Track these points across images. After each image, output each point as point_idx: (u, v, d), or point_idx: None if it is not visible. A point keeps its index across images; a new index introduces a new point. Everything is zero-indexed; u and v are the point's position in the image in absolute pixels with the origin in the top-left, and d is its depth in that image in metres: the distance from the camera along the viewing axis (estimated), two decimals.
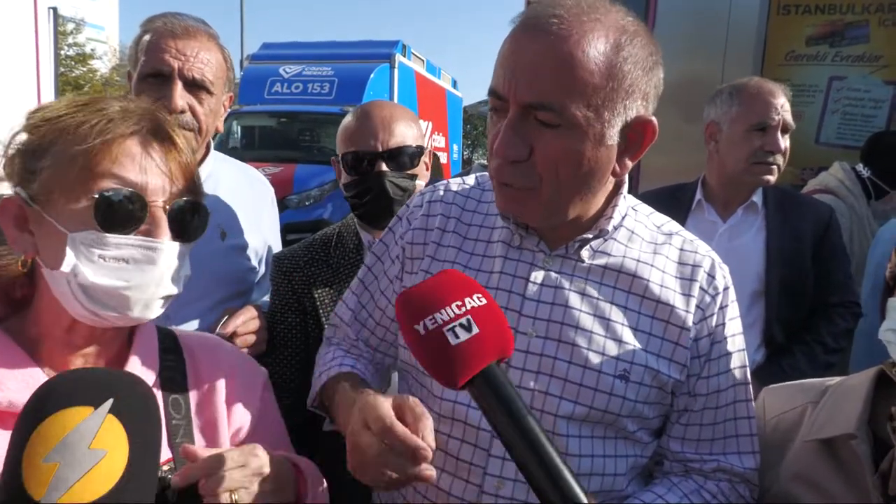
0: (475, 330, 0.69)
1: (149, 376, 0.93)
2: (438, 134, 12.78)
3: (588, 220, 1.05)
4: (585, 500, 0.63)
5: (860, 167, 2.70)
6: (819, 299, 1.98)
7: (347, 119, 1.61)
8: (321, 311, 1.54)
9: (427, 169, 1.68)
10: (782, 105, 1.96)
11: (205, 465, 0.82)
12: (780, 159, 1.98)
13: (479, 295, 0.73)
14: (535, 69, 0.90)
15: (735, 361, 1.08)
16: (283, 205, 7.76)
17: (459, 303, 0.71)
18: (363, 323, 1.21)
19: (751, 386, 1.10)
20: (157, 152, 0.87)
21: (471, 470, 1.02)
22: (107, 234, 0.82)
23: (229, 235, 1.63)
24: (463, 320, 0.70)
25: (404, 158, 1.55)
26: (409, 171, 1.57)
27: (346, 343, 1.23)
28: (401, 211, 1.23)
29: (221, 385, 1.01)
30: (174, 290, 0.88)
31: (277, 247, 1.86)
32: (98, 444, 0.63)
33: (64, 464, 0.61)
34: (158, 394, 0.93)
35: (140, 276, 0.84)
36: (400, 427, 0.81)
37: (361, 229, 1.64)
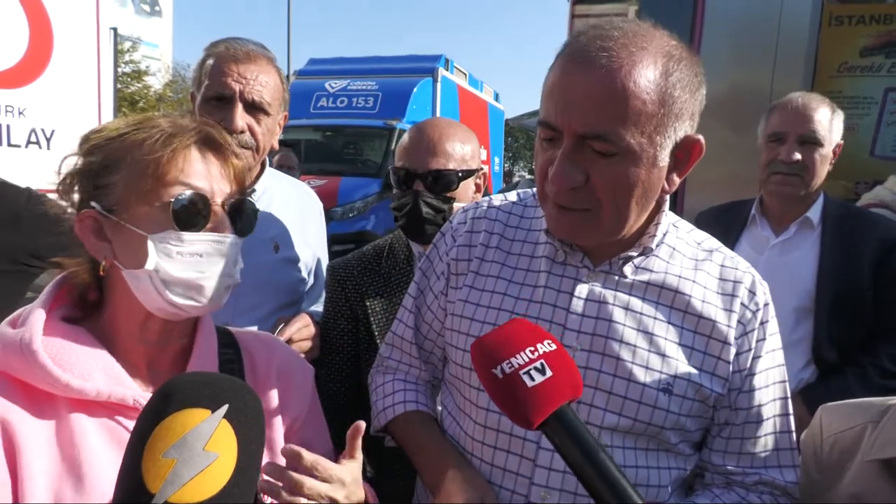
0: (549, 373, 0.74)
1: (211, 367, 1.00)
2: (480, 146, 12.80)
3: (631, 238, 1.06)
4: None
5: None
6: (883, 322, 1.88)
7: (405, 134, 1.68)
8: (372, 318, 1.61)
9: (478, 190, 1.71)
10: (809, 118, 1.93)
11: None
12: (799, 170, 1.94)
13: (549, 341, 0.78)
14: (588, 102, 0.92)
15: (775, 376, 1.08)
16: (327, 216, 7.85)
17: (532, 348, 0.76)
18: (425, 337, 1.25)
19: (790, 401, 1.10)
20: (213, 158, 0.97)
21: (517, 480, 1.04)
22: (183, 233, 0.91)
23: (282, 248, 1.70)
24: (537, 364, 0.75)
25: (443, 181, 1.60)
26: (447, 194, 1.61)
27: (404, 366, 1.27)
28: (444, 227, 1.27)
29: (275, 378, 1.07)
30: (237, 279, 0.98)
31: (325, 258, 1.93)
32: (212, 447, 0.66)
33: (181, 461, 0.64)
34: None
35: (212, 266, 0.94)
36: None
37: (411, 240, 1.70)
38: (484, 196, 1.39)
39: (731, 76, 3.45)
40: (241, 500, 0.67)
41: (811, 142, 1.94)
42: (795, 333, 1.89)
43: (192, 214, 0.92)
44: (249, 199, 0.99)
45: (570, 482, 1.01)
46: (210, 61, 1.60)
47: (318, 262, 1.89)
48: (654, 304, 1.05)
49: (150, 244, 0.90)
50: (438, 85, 10.53)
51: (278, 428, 1.05)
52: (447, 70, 11.11)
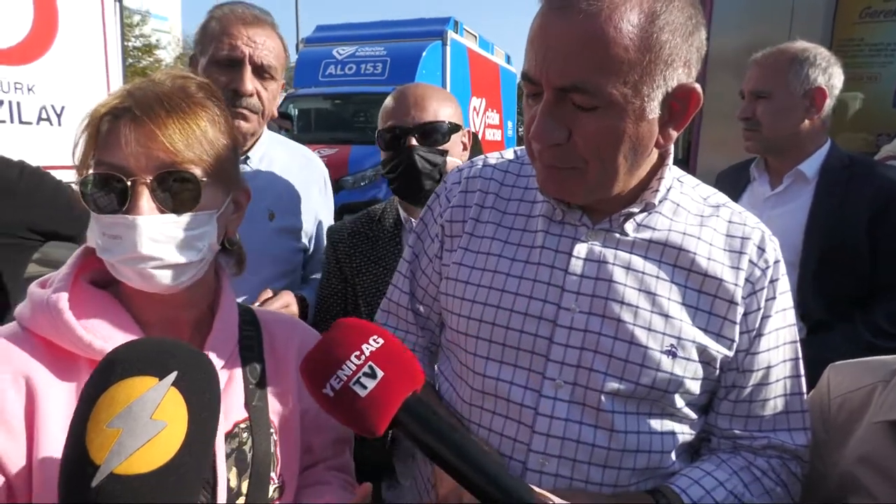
0: (380, 374, 0.70)
1: (229, 343, 0.99)
2: (492, 111, 12.64)
3: (632, 193, 1.02)
4: (534, 501, 0.65)
5: None
6: (881, 278, 1.81)
7: (387, 100, 1.69)
8: (357, 279, 1.66)
9: (465, 149, 1.72)
10: (757, 72, 1.98)
11: None
12: (755, 125, 1.98)
13: (375, 336, 0.73)
14: (566, 51, 0.86)
15: (786, 336, 1.04)
16: (338, 185, 7.89)
17: (358, 352, 0.72)
18: (421, 302, 1.22)
19: (801, 361, 1.06)
20: (137, 130, 0.86)
21: (515, 446, 1.02)
22: (98, 215, 0.87)
23: (278, 217, 1.69)
24: (366, 368, 0.71)
25: (435, 134, 1.61)
26: (439, 147, 1.62)
27: (400, 333, 1.24)
28: (438, 188, 1.23)
29: (295, 359, 1.06)
30: (179, 259, 0.88)
31: (329, 224, 1.92)
32: (160, 416, 0.65)
33: (126, 431, 0.63)
34: (238, 359, 0.99)
35: (134, 249, 0.85)
36: None
37: (400, 207, 1.72)
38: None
39: (748, 29, 3.32)
40: (193, 468, 0.66)
41: (759, 95, 1.97)
42: None
43: (100, 194, 0.86)
44: (185, 171, 0.88)
45: (569, 449, 0.99)
46: (215, 24, 1.58)
47: (320, 228, 1.88)
48: (657, 262, 1.01)
49: (91, 224, 0.89)
50: (448, 48, 10.33)
51: (295, 409, 1.04)
52: (456, 33, 10.88)
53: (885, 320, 1.79)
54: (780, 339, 1.03)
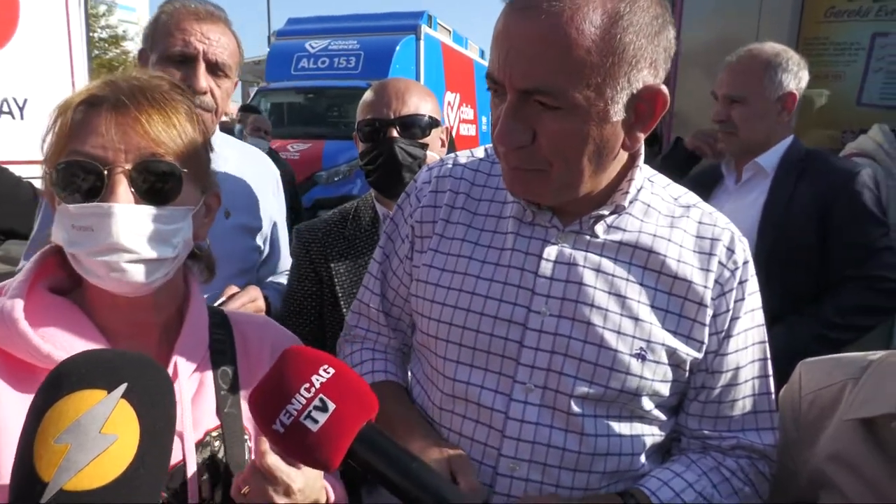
0: (332, 406, 0.68)
1: (200, 348, 0.96)
2: (467, 106, 12.63)
3: (602, 194, 1.01)
4: None
5: None
6: (831, 271, 1.85)
7: (366, 94, 1.68)
8: (336, 281, 1.61)
9: (442, 145, 1.70)
10: (732, 77, 2.01)
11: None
12: (731, 128, 2.01)
13: (325, 366, 0.71)
14: (528, 52, 0.85)
15: (755, 337, 1.04)
16: (312, 181, 7.82)
17: (307, 384, 0.69)
18: (392, 304, 1.20)
19: (769, 362, 1.07)
20: (115, 117, 0.84)
21: (485, 451, 1.01)
22: (69, 205, 0.83)
23: (234, 215, 1.66)
24: (316, 401, 0.68)
25: (416, 128, 1.60)
26: (420, 140, 1.61)
27: (372, 335, 1.23)
28: (409, 187, 1.21)
29: (268, 360, 1.03)
30: (152, 254, 0.85)
31: (282, 225, 1.90)
32: (109, 429, 0.62)
33: (75, 446, 0.61)
34: (209, 364, 0.97)
35: (107, 240, 0.82)
36: None
37: (378, 202, 1.69)
38: None
39: (716, 26, 3.36)
40: (148, 482, 0.63)
41: (734, 100, 2.01)
42: None
43: (72, 182, 0.83)
44: (167, 161, 0.86)
45: (539, 453, 0.98)
46: (166, 18, 1.53)
47: (275, 229, 1.85)
48: (627, 265, 1.00)
49: (57, 218, 0.85)
50: (422, 43, 10.29)
51: None
52: (430, 27, 10.84)
53: (834, 313, 1.82)
54: (748, 340, 1.04)
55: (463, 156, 1.17)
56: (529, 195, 0.99)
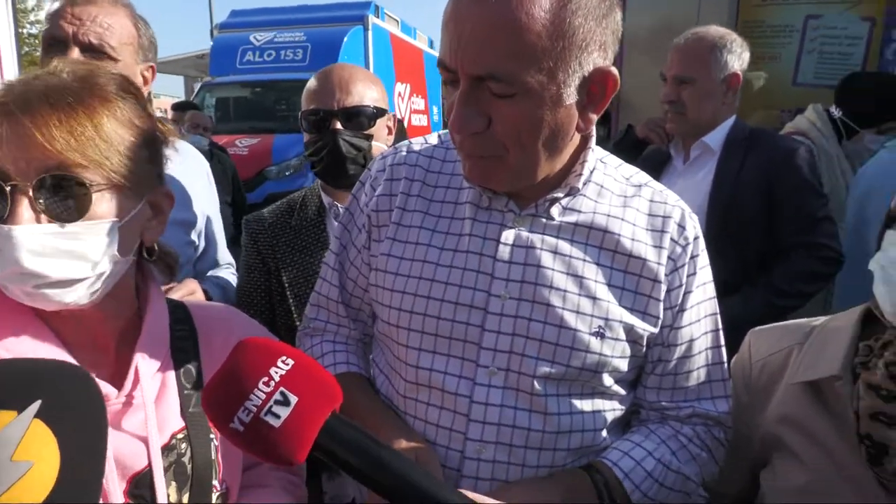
0: (293, 400, 0.64)
1: (161, 348, 0.92)
2: (417, 96, 12.57)
3: (556, 177, 1.02)
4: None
5: (833, 108, 2.69)
6: (777, 241, 1.95)
7: (311, 80, 1.66)
8: (283, 272, 1.61)
9: (389, 133, 1.71)
10: (680, 58, 2.07)
11: None
12: (680, 108, 2.08)
13: (283, 357, 0.67)
14: (479, 38, 0.85)
15: (707, 309, 1.08)
16: (262, 176, 7.67)
17: (266, 377, 0.65)
18: (351, 294, 1.19)
19: (721, 332, 1.11)
20: (11, 128, 0.76)
21: (451, 436, 1.01)
22: None
23: None
24: (277, 395, 0.64)
25: (360, 118, 1.60)
26: (365, 132, 1.60)
27: (332, 326, 1.21)
28: (363, 176, 1.20)
29: None
30: (65, 275, 0.79)
31: (216, 220, 1.86)
32: (22, 455, 0.55)
33: None
34: (170, 364, 0.93)
35: (15, 265, 0.76)
36: None
37: (323, 192, 1.69)
38: None
39: (657, 11, 3.43)
40: None
41: (682, 81, 2.07)
42: None
43: None
44: (71, 175, 0.78)
45: (505, 435, 0.99)
46: (52, 4, 1.48)
47: (209, 224, 1.81)
48: (583, 245, 1.02)
49: None
50: (370, 33, 10.16)
51: None
52: (378, 17, 10.72)
53: (781, 280, 1.92)
54: (701, 313, 1.07)
55: (417, 143, 1.17)
56: (487, 183, 1.00)
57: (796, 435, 1.06)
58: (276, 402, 0.64)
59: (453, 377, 1.01)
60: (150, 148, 0.89)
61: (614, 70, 0.93)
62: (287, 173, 7.83)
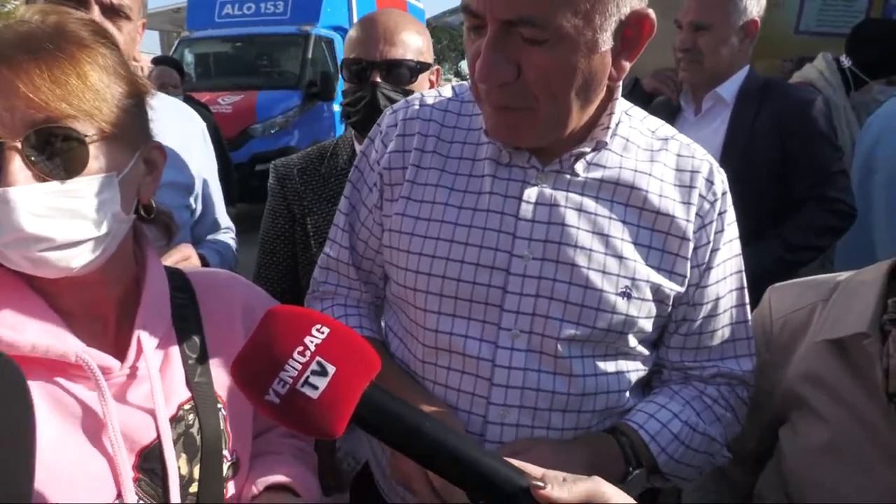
0: (331, 370, 0.61)
1: (163, 318, 0.88)
2: None
3: (581, 131, 0.97)
4: (525, 483, 0.59)
5: (843, 57, 2.63)
6: (791, 194, 1.92)
7: (355, 26, 1.60)
8: (308, 220, 1.58)
9: (432, 86, 1.63)
10: (696, 4, 1.99)
11: None
12: (696, 56, 2.00)
13: (318, 325, 0.63)
14: None
15: (733, 267, 1.05)
16: (247, 135, 7.50)
17: (301, 347, 0.61)
18: (363, 256, 1.14)
19: (746, 290, 1.08)
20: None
21: (473, 401, 0.99)
22: None
23: None
24: (314, 365, 0.61)
25: (402, 71, 1.53)
26: (406, 87, 1.54)
27: (342, 290, 1.17)
28: (372, 132, 1.13)
29: (237, 321, 0.96)
30: (72, 237, 0.74)
31: (214, 182, 1.80)
32: None
33: None
34: (173, 333, 0.89)
35: (3, 230, 0.72)
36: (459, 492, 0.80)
37: (357, 142, 1.64)
38: None
39: None
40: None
41: (699, 27, 1.99)
42: None
43: None
44: (64, 127, 0.73)
45: (529, 398, 0.97)
46: None
47: (206, 186, 1.74)
48: (609, 202, 0.98)
49: None
50: None
51: None
52: None
53: (794, 233, 1.89)
54: (727, 270, 1.04)
55: (430, 96, 1.10)
56: (514, 138, 0.94)
57: (819, 393, 1.04)
58: (314, 373, 0.60)
59: (475, 341, 0.98)
60: (135, 97, 0.84)
61: (651, 13, 0.87)
62: (272, 131, 7.66)
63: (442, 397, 1.01)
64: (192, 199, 1.68)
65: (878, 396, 0.95)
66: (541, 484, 0.57)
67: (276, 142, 7.53)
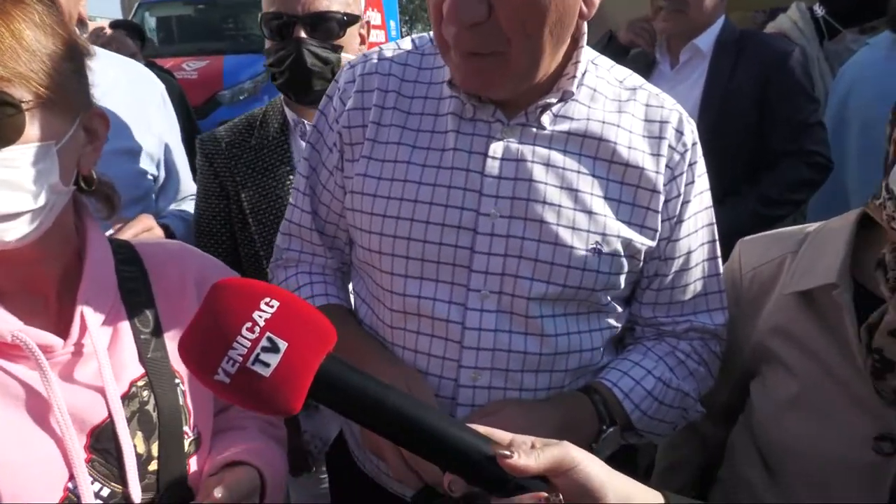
0: (283, 346, 0.57)
1: (108, 292, 0.84)
2: (373, 10, 11.89)
3: (547, 81, 0.93)
4: (491, 451, 0.56)
5: (816, 6, 2.59)
6: (769, 148, 1.91)
7: None
8: (244, 195, 1.47)
9: (362, 42, 1.55)
10: None
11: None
12: (681, 4, 1.94)
13: (267, 299, 0.59)
14: None
15: (704, 219, 1.04)
16: (215, 101, 7.29)
17: (249, 323, 0.57)
18: (325, 220, 1.10)
19: (717, 242, 1.07)
20: None
21: (444, 365, 0.97)
22: None
23: (112, 138, 1.46)
24: (263, 341, 0.57)
25: (329, 24, 1.41)
26: (334, 42, 1.44)
27: (306, 256, 1.13)
28: (329, 89, 1.08)
29: (192, 293, 0.92)
30: (9, 209, 0.71)
31: (178, 147, 1.72)
32: None
33: None
34: (122, 308, 0.85)
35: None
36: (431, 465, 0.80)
37: (287, 107, 1.53)
38: None
39: None
40: None
41: None
42: None
43: None
44: (2, 90, 0.68)
45: (500, 359, 0.95)
46: None
47: (168, 152, 1.65)
48: (577, 156, 0.95)
49: None
50: None
51: None
52: None
53: (771, 188, 1.88)
54: (698, 223, 1.02)
55: (388, 49, 1.05)
56: (485, 87, 0.90)
57: (788, 345, 1.04)
58: (264, 349, 0.56)
59: (443, 303, 0.95)
60: (75, 61, 0.78)
61: None
62: (241, 97, 7.44)
63: (412, 362, 0.99)
64: (152, 166, 1.60)
65: (846, 346, 0.95)
66: (506, 453, 0.55)
67: (244, 108, 7.24)
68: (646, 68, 2.09)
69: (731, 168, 1.89)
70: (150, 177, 1.60)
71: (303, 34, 1.40)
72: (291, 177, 1.48)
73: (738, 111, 1.89)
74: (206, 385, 0.58)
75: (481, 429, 0.59)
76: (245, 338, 0.57)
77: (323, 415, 1.57)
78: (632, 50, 2.20)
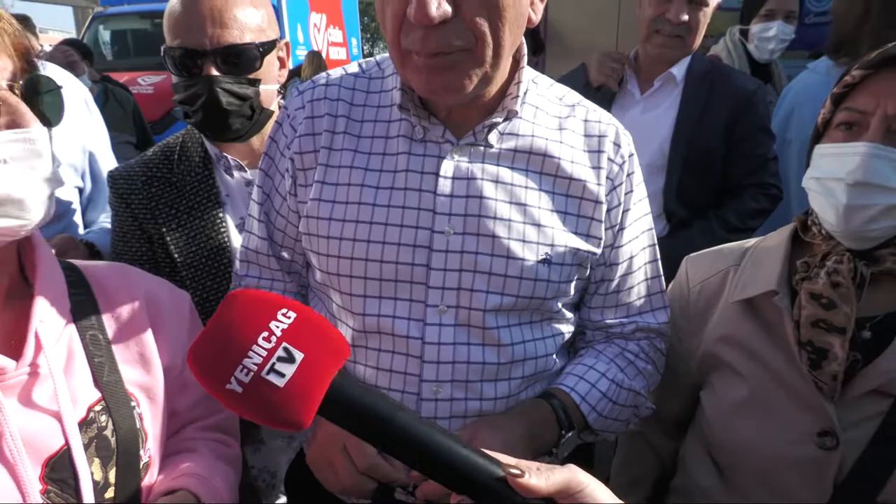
0: (299, 356, 0.57)
1: (61, 313, 0.81)
2: (334, 27, 11.94)
3: (492, 100, 0.97)
4: (500, 472, 0.57)
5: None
6: (732, 179, 1.98)
7: (172, 2, 1.28)
8: (168, 237, 1.33)
9: (282, 66, 1.42)
10: None
11: None
12: (683, 32, 1.89)
13: (284, 310, 0.59)
14: None
15: (644, 225, 1.09)
16: (171, 117, 7.16)
17: (266, 333, 0.57)
18: (282, 246, 1.10)
19: (657, 246, 1.13)
20: None
21: (406, 380, 0.98)
22: None
23: None
24: (280, 352, 0.56)
25: (242, 59, 1.28)
26: (249, 76, 1.30)
27: (265, 282, 1.13)
28: (279, 116, 1.08)
29: (142, 314, 0.91)
30: (61, 180, 0.80)
31: (106, 156, 1.63)
32: None
33: None
34: (74, 331, 0.83)
35: (26, 172, 0.74)
36: (386, 466, 0.88)
37: (207, 140, 1.40)
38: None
39: None
40: None
41: (699, 1, 1.87)
42: (647, 188, 1.96)
43: None
44: (45, 74, 0.74)
45: (460, 371, 0.97)
46: None
47: (94, 162, 1.57)
48: (524, 171, 0.98)
49: None
50: None
51: (156, 371, 0.90)
52: None
53: (734, 217, 1.96)
54: (639, 229, 1.08)
55: (335, 73, 1.06)
56: (447, 90, 0.89)
57: (735, 352, 1.10)
58: (280, 360, 0.56)
59: (403, 320, 0.97)
60: None
61: None
62: None
63: (374, 380, 1.00)
64: (77, 176, 1.51)
65: (787, 348, 1.02)
66: (517, 472, 0.55)
67: None
68: (610, 92, 2.05)
69: (699, 195, 1.98)
70: (73, 189, 1.51)
71: (213, 71, 1.26)
72: (221, 215, 1.38)
73: (707, 143, 1.94)
74: (216, 395, 0.57)
75: (490, 452, 0.59)
76: (261, 346, 0.56)
77: (270, 448, 1.51)
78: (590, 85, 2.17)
